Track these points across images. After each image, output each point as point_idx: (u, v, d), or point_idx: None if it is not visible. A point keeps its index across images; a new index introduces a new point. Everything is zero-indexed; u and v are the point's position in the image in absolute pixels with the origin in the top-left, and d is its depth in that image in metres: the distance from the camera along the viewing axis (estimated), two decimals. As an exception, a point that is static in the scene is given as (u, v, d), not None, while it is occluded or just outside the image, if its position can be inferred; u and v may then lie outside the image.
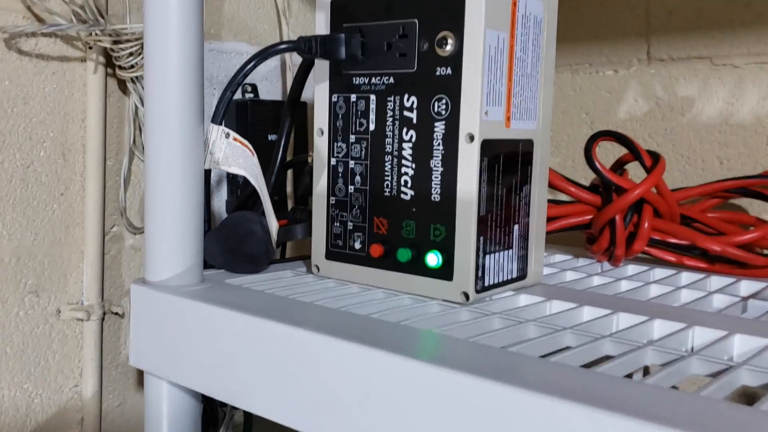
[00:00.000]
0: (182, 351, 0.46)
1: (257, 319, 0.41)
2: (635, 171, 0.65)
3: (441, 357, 0.34)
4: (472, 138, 0.43)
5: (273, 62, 0.72)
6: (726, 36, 0.63)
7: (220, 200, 0.68)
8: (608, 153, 0.70)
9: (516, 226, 0.48)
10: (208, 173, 0.49)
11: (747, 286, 0.53)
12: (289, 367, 0.39)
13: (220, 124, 0.48)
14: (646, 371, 0.42)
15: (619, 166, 0.61)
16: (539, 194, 0.49)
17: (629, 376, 0.35)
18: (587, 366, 0.34)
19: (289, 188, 0.70)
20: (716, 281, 0.55)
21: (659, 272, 0.57)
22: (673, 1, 0.65)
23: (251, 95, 0.67)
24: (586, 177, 0.72)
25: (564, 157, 0.74)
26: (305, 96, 0.64)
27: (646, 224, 0.56)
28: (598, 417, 0.27)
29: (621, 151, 0.61)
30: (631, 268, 0.58)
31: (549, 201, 0.55)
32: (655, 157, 0.57)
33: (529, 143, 0.48)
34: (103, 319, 0.62)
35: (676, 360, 0.35)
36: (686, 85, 0.65)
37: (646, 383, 0.31)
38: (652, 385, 0.31)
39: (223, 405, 0.65)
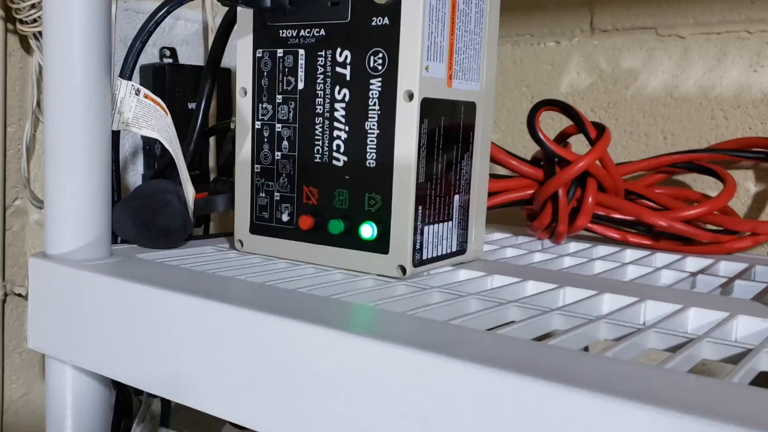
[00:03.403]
0: (88, 331, 0.41)
1: (172, 293, 0.37)
2: (578, 146, 0.63)
3: (379, 331, 0.30)
4: (411, 96, 0.39)
5: (194, 25, 0.67)
6: (671, 5, 0.61)
7: (136, 173, 0.63)
8: (549, 127, 0.67)
9: (456, 197, 0.44)
10: (116, 135, 0.44)
11: (693, 263, 0.51)
12: (209, 347, 0.35)
13: (130, 79, 0.43)
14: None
15: (561, 139, 0.58)
16: (481, 164, 0.46)
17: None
18: (537, 340, 0.31)
19: (211, 162, 0.65)
20: (662, 258, 0.52)
21: (603, 249, 0.55)
22: (617, -31, 0.63)
23: (170, 60, 0.62)
24: (526, 155, 0.70)
25: (503, 133, 0.71)
26: (230, 63, 0.59)
27: (591, 199, 0.53)
28: (560, 392, 0.24)
29: (564, 124, 0.59)
30: (574, 246, 0.56)
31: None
32: (600, 128, 0.54)
33: (471, 107, 0.44)
34: (4, 302, 0.56)
35: (631, 333, 0.32)
36: (630, 56, 0.63)
37: (605, 356, 0.28)
38: (612, 358, 0.27)
39: (139, 393, 0.60)
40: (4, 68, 0.53)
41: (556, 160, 0.54)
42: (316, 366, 0.31)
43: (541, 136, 0.53)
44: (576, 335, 0.32)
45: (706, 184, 0.60)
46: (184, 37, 0.65)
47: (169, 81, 0.60)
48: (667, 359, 0.28)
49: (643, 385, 0.24)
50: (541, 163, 0.56)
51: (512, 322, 0.35)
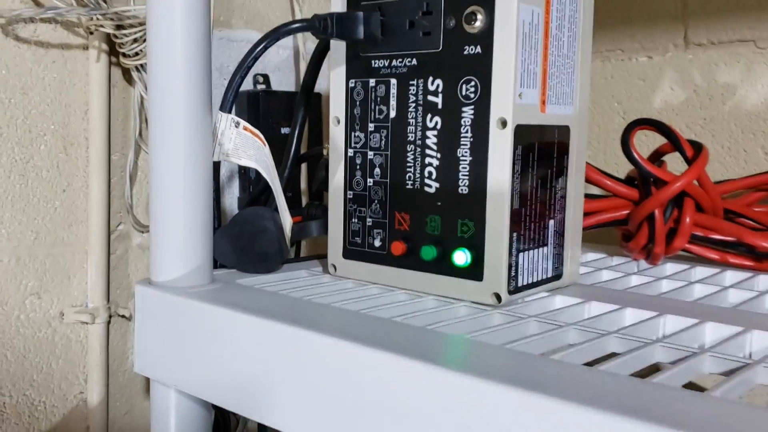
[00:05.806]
0: (190, 357, 0.42)
1: (270, 322, 0.38)
2: (673, 163, 0.61)
3: (475, 365, 0.30)
4: (504, 123, 0.39)
5: (286, 51, 0.68)
6: (771, 17, 0.59)
7: (232, 197, 0.65)
8: (642, 144, 0.66)
9: (551, 222, 0.44)
10: (217, 166, 0.46)
11: (800, 286, 0.49)
12: (305, 375, 0.36)
13: (230, 112, 0.44)
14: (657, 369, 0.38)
15: (656, 158, 0.57)
16: (576, 187, 0.46)
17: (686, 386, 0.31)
18: (639, 375, 0.30)
19: (303, 184, 0.66)
20: (765, 280, 0.51)
21: (701, 271, 0.53)
22: (712, -19, 0.61)
23: (263, 86, 0.64)
24: (619, 172, 0.68)
25: (595, 150, 0.70)
26: (320, 87, 0.60)
27: (688, 219, 0.52)
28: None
29: (657, 141, 0.57)
30: (671, 267, 0.54)
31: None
32: (698, 147, 0.53)
33: (565, 130, 0.44)
34: (109, 322, 0.59)
35: (739, 368, 0.31)
36: (727, 71, 0.61)
37: (714, 396, 0.27)
38: (721, 398, 0.27)
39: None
40: (108, 99, 0.56)
41: (652, 179, 0.53)
42: (411, 400, 0.31)
43: (636, 156, 0.52)
44: (680, 371, 0.31)
45: (811, 202, 0.58)
46: (277, 63, 0.67)
47: (263, 107, 0.62)
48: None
49: (757, 430, 0.23)
50: (636, 182, 0.55)
51: (613, 354, 0.35)
